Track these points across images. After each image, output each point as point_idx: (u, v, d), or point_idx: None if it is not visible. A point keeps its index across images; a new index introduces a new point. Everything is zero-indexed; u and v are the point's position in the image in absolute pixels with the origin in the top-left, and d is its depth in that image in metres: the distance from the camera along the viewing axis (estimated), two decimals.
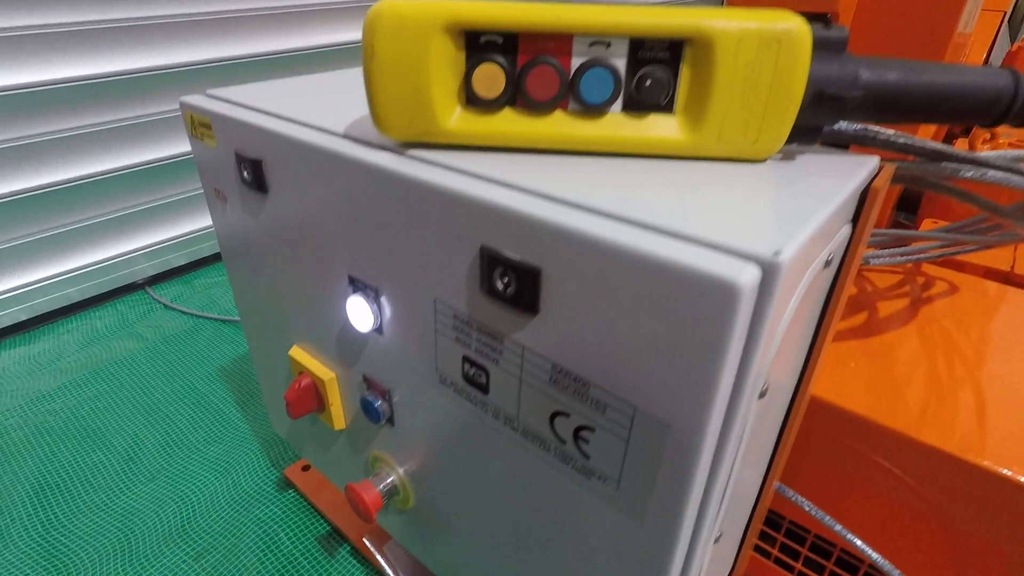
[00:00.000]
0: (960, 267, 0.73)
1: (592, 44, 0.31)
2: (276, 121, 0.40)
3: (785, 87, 0.30)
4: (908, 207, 1.10)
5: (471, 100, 0.32)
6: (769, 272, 0.23)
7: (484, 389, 0.35)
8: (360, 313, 0.40)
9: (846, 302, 0.62)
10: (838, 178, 0.31)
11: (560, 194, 0.28)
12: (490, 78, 0.31)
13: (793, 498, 0.50)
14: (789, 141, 0.32)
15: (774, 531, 0.59)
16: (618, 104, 0.32)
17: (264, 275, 0.50)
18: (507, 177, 0.30)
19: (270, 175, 0.42)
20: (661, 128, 0.32)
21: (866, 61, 0.31)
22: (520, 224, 0.28)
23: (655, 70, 0.30)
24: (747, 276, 0.22)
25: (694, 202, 0.27)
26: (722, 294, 0.22)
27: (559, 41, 0.31)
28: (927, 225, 0.81)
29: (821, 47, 0.31)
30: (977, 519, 0.46)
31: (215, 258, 1.32)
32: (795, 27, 0.29)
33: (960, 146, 0.95)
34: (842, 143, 0.36)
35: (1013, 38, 1.99)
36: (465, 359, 0.35)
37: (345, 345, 0.45)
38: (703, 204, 0.27)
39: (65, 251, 1.09)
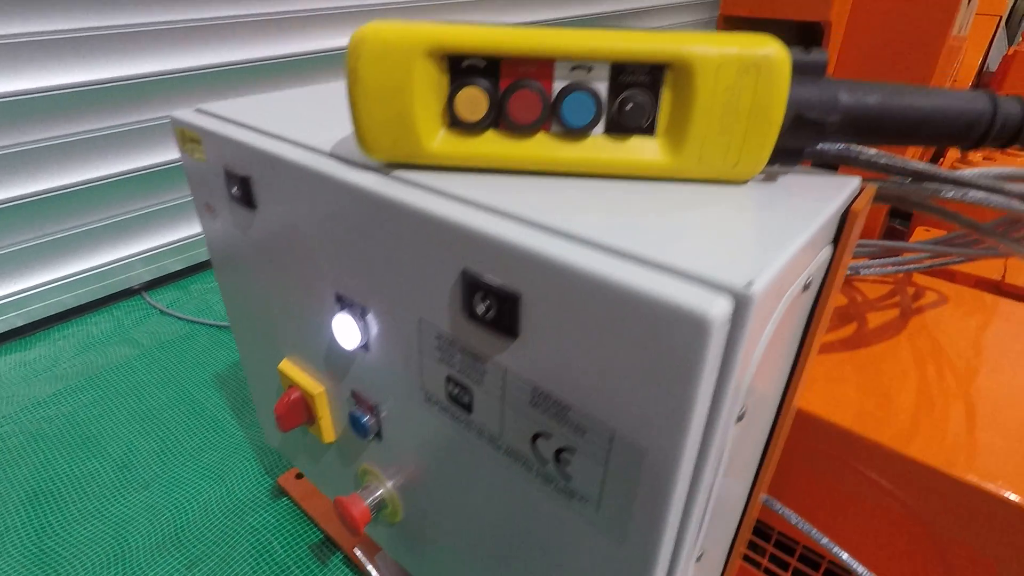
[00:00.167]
0: (951, 277, 0.74)
1: (574, 68, 0.31)
2: (264, 138, 0.41)
3: (764, 111, 0.30)
4: (902, 214, 1.10)
5: (455, 123, 0.32)
6: (741, 303, 0.23)
7: (468, 408, 0.35)
8: (347, 330, 0.40)
9: (835, 312, 0.62)
10: (818, 200, 0.31)
11: (540, 219, 0.28)
12: (473, 101, 0.31)
13: (780, 511, 0.50)
14: (770, 163, 0.33)
15: (764, 541, 0.59)
16: (600, 127, 0.32)
17: (254, 289, 0.50)
18: (489, 200, 0.30)
19: (258, 192, 0.42)
20: (643, 151, 0.32)
21: (846, 85, 0.32)
22: (500, 250, 0.28)
23: (636, 94, 0.31)
24: (718, 308, 0.22)
25: (672, 227, 0.28)
26: (693, 326, 0.22)
27: (541, 65, 0.31)
28: (920, 233, 0.82)
29: (801, 71, 0.31)
30: (965, 533, 0.46)
31: (211, 263, 1.32)
32: (774, 52, 0.29)
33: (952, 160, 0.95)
34: (827, 163, 0.36)
35: (1011, 41, 1.99)
36: (449, 379, 0.35)
37: (333, 361, 0.45)
38: (680, 230, 0.27)
39: (61, 257, 1.09)
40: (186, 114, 0.47)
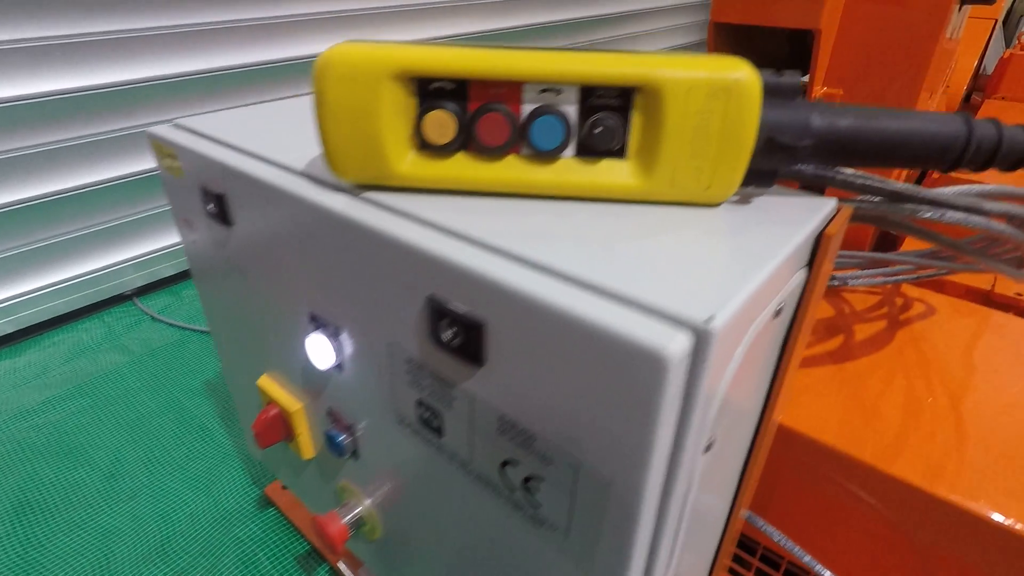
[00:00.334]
0: (941, 287, 0.73)
1: (543, 91, 0.30)
2: (238, 156, 0.40)
3: (736, 135, 0.30)
4: None
5: (424, 145, 0.32)
6: (702, 339, 0.22)
7: (439, 432, 0.35)
8: (320, 350, 0.40)
9: (822, 325, 0.62)
10: (791, 224, 0.31)
11: (506, 246, 0.28)
12: (441, 125, 0.31)
13: (762, 527, 0.50)
14: (745, 184, 0.32)
15: (750, 555, 0.59)
16: (571, 149, 0.32)
17: (233, 304, 0.50)
18: (457, 225, 0.30)
19: (234, 209, 0.42)
20: (614, 174, 0.32)
21: (819, 107, 0.31)
22: (464, 278, 0.27)
23: (606, 117, 0.30)
24: (676, 345, 0.22)
25: (638, 256, 0.27)
26: (651, 363, 0.22)
27: (509, 88, 0.30)
28: (910, 243, 0.81)
29: (773, 94, 0.30)
30: (951, 551, 0.46)
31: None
32: (744, 76, 0.29)
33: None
34: (810, 183, 0.36)
35: (1008, 43, 1.98)
36: (420, 402, 0.35)
37: (310, 379, 0.45)
38: (647, 258, 0.27)
39: (52, 263, 1.09)
40: (163, 129, 0.46)
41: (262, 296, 0.45)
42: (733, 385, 0.28)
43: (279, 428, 0.49)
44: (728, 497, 0.44)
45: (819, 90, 0.64)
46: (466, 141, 0.32)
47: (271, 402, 0.49)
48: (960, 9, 0.66)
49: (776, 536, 0.49)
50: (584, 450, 0.27)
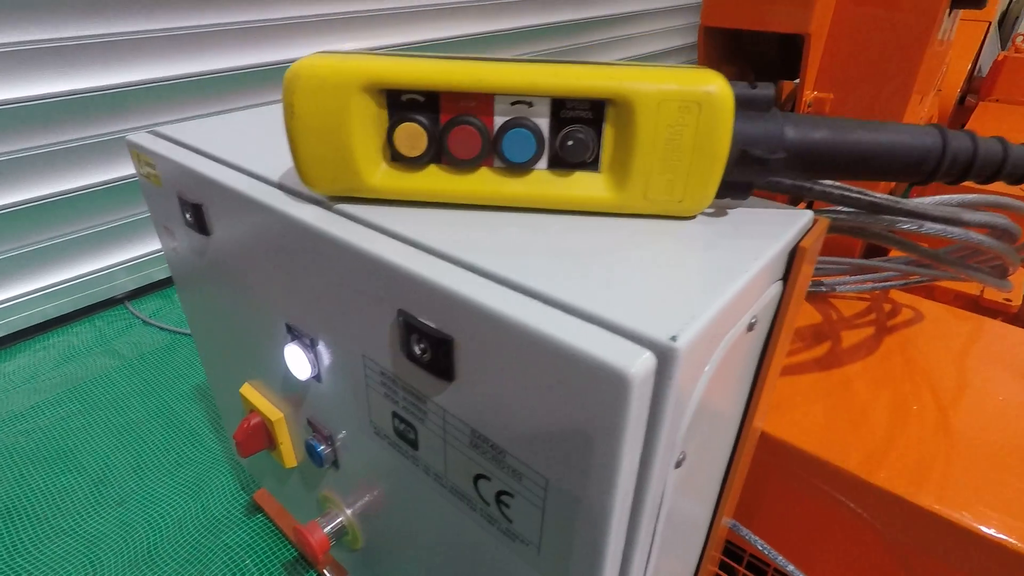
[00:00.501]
0: (930, 292, 0.73)
1: (514, 103, 0.30)
2: (214, 166, 0.40)
3: (708, 148, 0.29)
4: None
5: (396, 157, 0.32)
6: (666, 357, 0.22)
7: (414, 445, 0.34)
8: (298, 361, 0.39)
9: (808, 331, 0.62)
10: (765, 237, 0.31)
11: (475, 261, 0.28)
12: (411, 137, 0.31)
13: (746, 536, 0.50)
14: (720, 196, 0.32)
15: (736, 563, 0.59)
16: (543, 162, 0.31)
17: (214, 313, 0.50)
18: (428, 239, 0.30)
19: (211, 219, 0.42)
20: (587, 186, 0.31)
21: (793, 119, 0.31)
22: (432, 293, 0.27)
23: (578, 130, 0.30)
24: (639, 366, 0.21)
25: (608, 271, 0.27)
26: (614, 382, 0.22)
27: (480, 100, 0.30)
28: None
29: (746, 106, 0.30)
30: (934, 560, 0.46)
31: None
32: (716, 89, 0.28)
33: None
34: (785, 194, 0.35)
35: (1003, 45, 1.98)
36: (395, 415, 0.34)
37: (290, 388, 0.45)
38: (616, 274, 0.27)
39: (43, 267, 1.09)
40: (141, 137, 0.46)
41: (241, 305, 0.44)
42: (705, 400, 0.28)
43: (261, 437, 0.49)
44: (709, 506, 0.44)
45: (810, 94, 0.64)
46: (438, 153, 0.32)
47: (253, 410, 0.49)
48: (951, 12, 0.66)
49: (760, 544, 0.49)
50: (551, 468, 0.26)
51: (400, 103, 0.31)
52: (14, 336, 1.09)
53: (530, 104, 0.30)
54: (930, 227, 0.35)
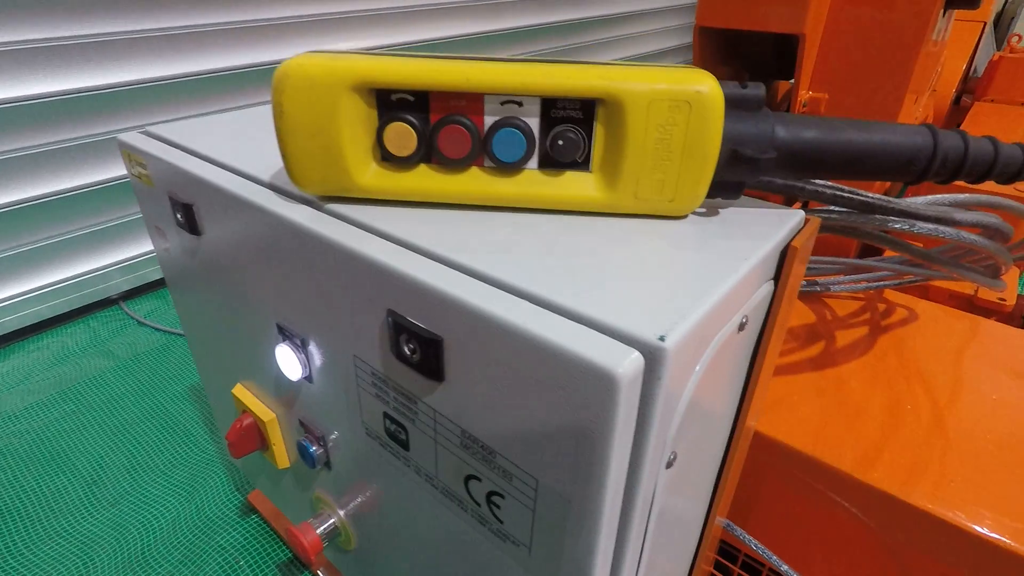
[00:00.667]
0: (925, 291, 0.73)
1: (504, 102, 0.30)
2: (205, 166, 0.40)
3: (699, 148, 0.29)
4: None
5: (386, 157, 0.32)
6: (655, 357, 0.22)
7: (405, 445, 0.34)
8: (289, 362, 0.39)
9: (803, 331, 0.62)
10: (756, 237, 0.31)
11: (465, 261, 0.28)
12: (401, 137, 0.31)
13: (740, 536, 0.50)
14: (711, 196, 0.32)
15: (731, 563, 0.59)
16: (534, 161, 0.31)
17: (206, 313, 0.50)
18: (417, 239, 0.30)
19: (202, 219, 0.42)
20: (577, 186, 0.31)
21: (784, 119, 0.31)
22: (421, 293, 0.27)
23: (567, 130, 0.30)
24: (627, 366, 0.21)
25: (597, 271, 0.27)
26: (602, 383, 0.22)
27: (470, 100, 0.30)
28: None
29: (736, 106, 0.30)
30: (928, 559, 0.46)
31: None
32: (707, 89, 0.28)
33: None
34: (778, 194, 0.35)
35: (999, 45, 1.99)
36: (386, 415, 0.34)
37: (282, 389, 0.44)
38: (606, 274, 0.27)
39: (37, 267, 1.08)
40: (132, 137, 0.46)
41: (232, 306, 0.44)
42: (696, 399, 0.28)
43: (254, 437, 0.49)
44: (702, 506, 0.44)
45: (805, 94, 0.64)
46: (428, 153, 0.31)
47: (245, 411, 0.49)
48: (945, 12, 0.66)
49: (753, 544, 0.49)
50: (542, 468, 0.26)
51: (390, 103, 0.31)
52: (8, 337, 1.08)
53: (520, 104, 0.30)
54: (922, 226, 0.35)
